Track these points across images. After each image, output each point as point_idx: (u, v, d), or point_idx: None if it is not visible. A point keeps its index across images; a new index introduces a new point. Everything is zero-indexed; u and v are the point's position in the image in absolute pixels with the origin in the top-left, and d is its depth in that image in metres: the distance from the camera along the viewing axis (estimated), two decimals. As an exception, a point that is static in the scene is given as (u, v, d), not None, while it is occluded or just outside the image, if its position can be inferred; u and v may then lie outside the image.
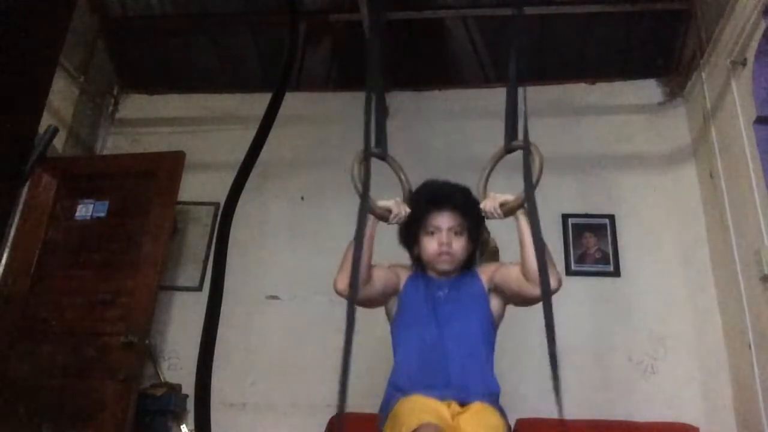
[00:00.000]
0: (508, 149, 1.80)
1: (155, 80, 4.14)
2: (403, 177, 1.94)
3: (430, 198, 1.89)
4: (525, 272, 1.74)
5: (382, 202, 1.81)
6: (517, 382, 2.93)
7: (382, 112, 1.94)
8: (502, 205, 1.79)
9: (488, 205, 1.81)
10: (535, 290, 1.69)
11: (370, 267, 1.80)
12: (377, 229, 1.81)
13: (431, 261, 1.87)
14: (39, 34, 0.72)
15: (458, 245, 1.85)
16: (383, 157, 1.85)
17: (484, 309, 1.85)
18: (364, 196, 1.52)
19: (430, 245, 1.86)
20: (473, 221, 1.89)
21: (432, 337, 1.77)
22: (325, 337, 3.29)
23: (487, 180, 1.89)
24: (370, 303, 1.89)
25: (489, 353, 1.82)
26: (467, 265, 1.93)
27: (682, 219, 3.38)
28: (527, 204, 1.59)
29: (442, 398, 1.66)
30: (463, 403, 1.67)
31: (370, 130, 1.63)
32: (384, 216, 1.81)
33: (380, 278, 1.84)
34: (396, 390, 1.75)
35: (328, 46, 3.92)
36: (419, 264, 1.93)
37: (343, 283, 1.72)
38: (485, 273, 1.91)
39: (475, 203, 1.88)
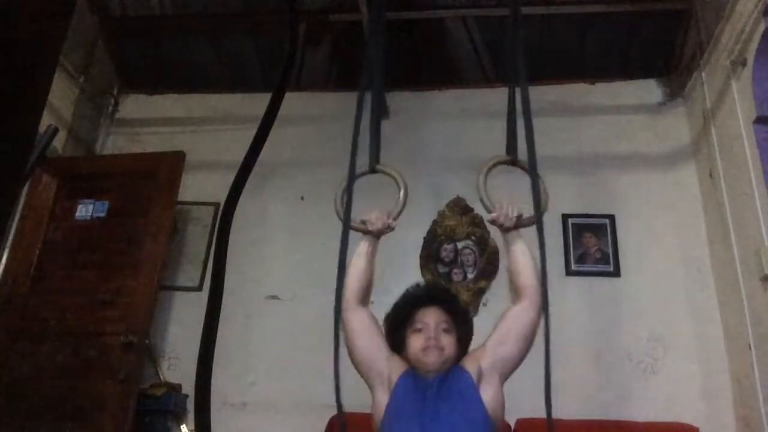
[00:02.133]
0: (511, 163, 1.80)
1: (155, 80, 4.14)
2: (396, 175, 1.90)
3: (417, 296, 1.86)
4: (519, 288, 1.73)
5: (364, 215, 1.81)
6: (517, 382, 2.93)
7: (378, 123, 1.93)
8: (517, 216, 1.77)
9: (507, 208, 1.78)
10: (531, 311, 1.73)
11: (371, 283, 1.82)
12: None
13: (418, 358, 1.76)
14: (39, 34, 0.72)
15: (447, 341, 1.77)
16: (372, 170, 1.86)
17: (475, 404, 1.73)
18: (346, 221, 1.57)
19: (416, 341, 1.77)
20: (461, 321, 1.83)
21: None
22: (325, 337, 3.28)
23: (486, 181, 1.85)
24: (351, 340, 1.86)
25: None
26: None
27: (682, 219, 3.38)
28: (538, 233, 1.56)
29: None
30: None
31: (356, 153, 1.69)
32: (362, 228, 1.82)
33: (368, 331, 1.83)
34: None
35: (328, 46, 3.92)
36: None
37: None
38: (470, 363, 1.80)
39: (463, 305, 1.86)
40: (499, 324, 1.80)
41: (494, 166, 1.85)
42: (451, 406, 1.72)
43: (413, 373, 1.81)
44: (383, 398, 1.79)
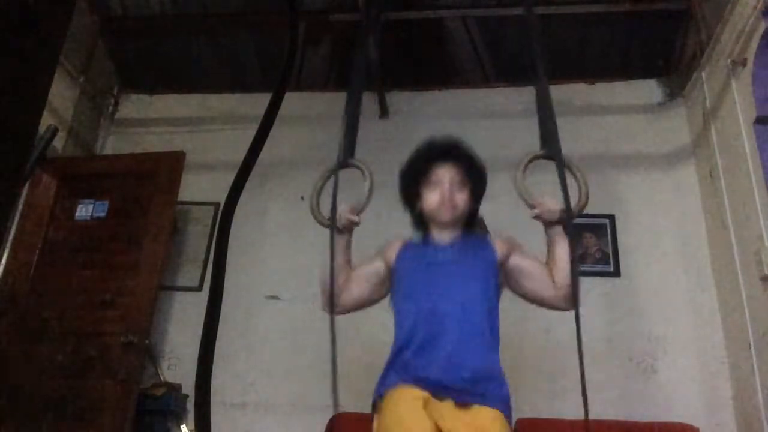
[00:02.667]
0: (548, 157, 1.80)
1: (155, 80, 4.14)
2: (362, 167, 1.88)
3: (433, 151, 1.86)
4: (556, 285, 1.73)
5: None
6: (517, 382, 2.93)
7: (355, 119, 1.98)
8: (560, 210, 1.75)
9: (549, 203, 1.76)
10: (558, 303, 1.74)
11: (343, 276, 1.82)
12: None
13: (432, 213, 1.80)
14: (39, 34, 0.72)
15: (460, 198, 1.80)
16: (345, 165, 1.87)
17: (493, 278, 1.76)
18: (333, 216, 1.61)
19: (431, 198, 1.80)
20: (476, 177, 1.85)
21: (429, 308, 1.69)
22: (324, 337, 3.28)
23: (524, 177, 1.81)
24: (363, 305, 1.87)
25: (494, 333, 1.72)
26: (470, 223, 1.87)
27: (682, 219, 3.38)
28: (568, 226, 1.61)
29: (435, 395, 1.60)
30: (461, 403, 1.59)
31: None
32: (324, 222, 1.82)
33: (361, 281, 1.83)
34: (390, 370, 1.71)
35: (328, 46, 3.92)
36: (420, 222, 1.87)
37: (323, 303, 1.82)
38: (501, 245, 1.82)
39: (479, 159, 1.85)
40: (533, 265, 1.80)
41: (531, 161, 1.82)
42: (469, 273, 1.74)
43: (422, 238, 1.85)
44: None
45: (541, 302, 1.80)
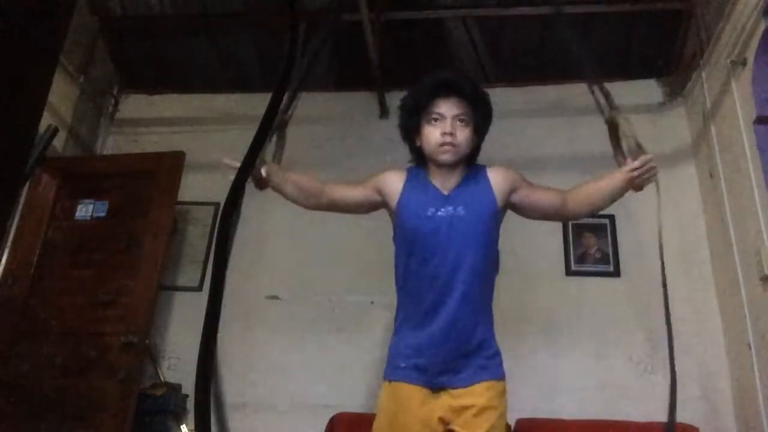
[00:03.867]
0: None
1: (155, 80, 4.14)
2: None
3: (436, 83, 1.79)
4: (566, 208, 1.78)
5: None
6: (517, 382, 2.93)
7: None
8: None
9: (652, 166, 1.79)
10: (556, 219, 1.93)
11: (310, 190, 1.89)
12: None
13: (432, 152, 1.75)
14: (39, 34, 0.72)
15: (463, 136, 1.74)
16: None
17: (494, 229, 1.75)
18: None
19: (432, 134, 1.74)
20: (481, 112, 1.78)
21: (430, 274, 1.68)
22: (325, 337, 3.30)
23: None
24: (342, 210, 1.91)
25: (487, 300, 1.73)
26: (472, 159, 1.82)
27: (682, 219, 3.38)
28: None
29: (432, 385, 1.64)
30: (456, 387, 1.64)
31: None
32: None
33: (346, 197, 1.86)
34: (396, 349, 1.73)
35: (328, 46, 3.92)
36: (419, 158, 1.83)
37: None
38: (503, 182, 1.78)
39: (484, 94, 1.79)
40: (542, 197, 1.83)
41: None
42: (466, 230, 1.71)
43: (422, 177, 1.81)
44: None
45: (543, 218, 1.87)
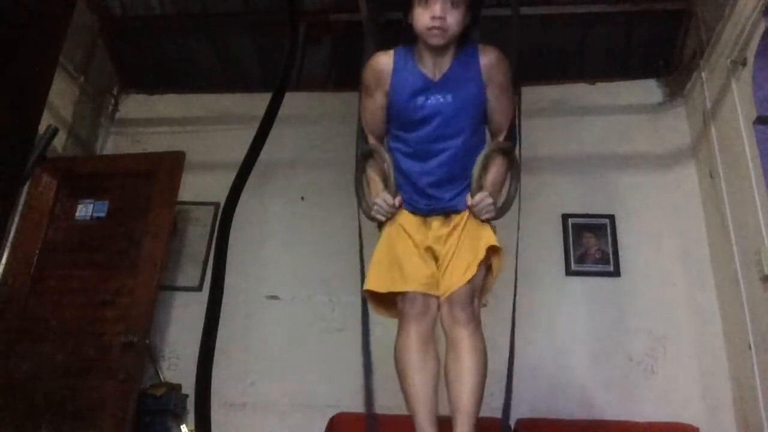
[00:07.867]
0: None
1: (155, 80, 4.14)
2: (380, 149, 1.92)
3: None
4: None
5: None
6: (517, 382, 2.93)
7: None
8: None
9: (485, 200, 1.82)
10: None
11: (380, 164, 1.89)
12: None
13: (422, 35, 1.76)
14: (39, 34, 0.72)
15: (453, 18, 1.74)
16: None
17: (480, 113, 1.84)
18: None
19: (422, 17, 1.73)
20: None
21: (418, 150, 1.81)
22: (325, 337, 3.29)
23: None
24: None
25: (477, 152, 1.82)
26: (463, 40, 1.84)
27: (682, 219, 3.38)
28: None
29: (427, 212, 1.78)
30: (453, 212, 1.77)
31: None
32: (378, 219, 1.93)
33: (381, 130, 1.93)
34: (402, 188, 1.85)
35: (328, 46, 3.92)
36: (409, 34, 1.83)
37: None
38: (490, 71, 1.84)
39: None
40: (497, 117, 1.90)
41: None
42: (456, 110, 1.79)
43: (410, 60, 1.84)
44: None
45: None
